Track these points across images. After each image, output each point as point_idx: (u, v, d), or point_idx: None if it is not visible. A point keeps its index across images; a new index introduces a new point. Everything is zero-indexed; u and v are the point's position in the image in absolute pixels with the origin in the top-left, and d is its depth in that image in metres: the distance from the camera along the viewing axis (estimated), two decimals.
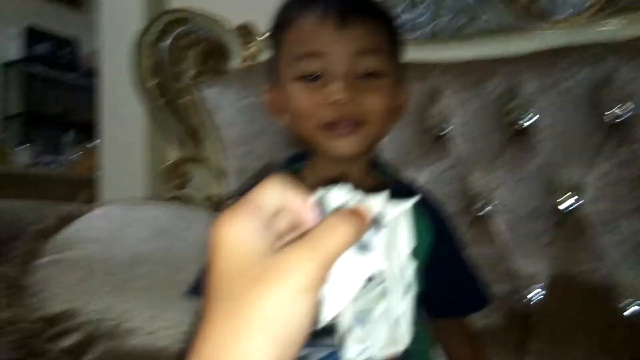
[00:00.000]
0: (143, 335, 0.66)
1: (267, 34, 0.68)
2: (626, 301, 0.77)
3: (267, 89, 0.63)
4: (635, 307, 0.76)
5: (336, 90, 0.53)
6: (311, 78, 0.55)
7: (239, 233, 0.28)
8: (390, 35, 0.59)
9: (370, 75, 0.55)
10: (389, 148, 0.99)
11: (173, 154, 1.22)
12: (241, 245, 0.28)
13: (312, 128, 0.56)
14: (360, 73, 0.55)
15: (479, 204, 0.92)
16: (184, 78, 1.19)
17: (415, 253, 0.62)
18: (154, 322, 0.68)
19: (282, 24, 0.59)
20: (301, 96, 0.56)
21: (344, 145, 0.56)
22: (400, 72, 0.61)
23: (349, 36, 0.54)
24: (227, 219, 0.28)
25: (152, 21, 1.16)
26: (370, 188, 0.54)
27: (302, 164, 0.65)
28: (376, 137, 0.59)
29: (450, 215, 0.74)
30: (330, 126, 0.55)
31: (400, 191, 0.64)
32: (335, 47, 0.54)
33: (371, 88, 0.55)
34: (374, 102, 0.55)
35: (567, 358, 0.77)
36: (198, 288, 0.64)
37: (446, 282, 0.63)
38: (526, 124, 0.90)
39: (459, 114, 0.94)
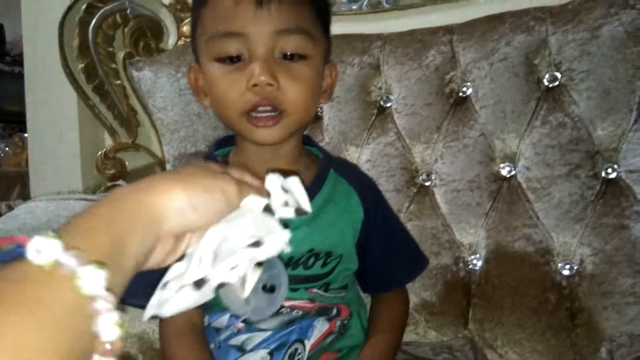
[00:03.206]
0: None
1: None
2: (559, 265, 0.79)
3: (189, 69, 0.59)
4: (567, 270, 0.78)
5: (256, 73, 0.51)
6: (229, 60, 0.53)
7: None
8: (315, 12, 0.55)
9: (293, 56, 0.53)
10: (333, 123, 0.98)
11: (109, 142, 1.15)
12: None
13: (234, 115, 0.54)
14: (281, 54, 0.53)
15: (421, 177, 0.92)
16: (114, 60, 1.12)
17: (346, 230, 0.62)
18: None
19: (198, 2, 0.55)
20: (220, 80, 0.53)
21: (267, 134, 0.54)
22: (328, 50, 0.58)
23: (269, 15, 0.51)
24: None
25: None
26: (296, 172, 0.53)
27: (231, 149, 0.62)
28: (301, 123, 0.58)
29: (380, 189, 0.74)
30: (251, 112, 0.53)
31: (336, 167, 0.64)
32: (254, 26, 0.51)
33: (294, 74, 0.53)
34: (297, 90, 0.53)
35: (505, 324, 0.79)
36: (125, 295, 0.60)
37: (382, 256, 0.64)
38: (465, 94, 0.90)
39: (400, 86, 0.93)
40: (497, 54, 0.86)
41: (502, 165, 0.86)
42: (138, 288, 0.60)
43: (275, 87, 0.52)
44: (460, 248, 0.86)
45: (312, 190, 0.59)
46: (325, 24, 0.58)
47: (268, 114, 0.53)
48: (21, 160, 2.57)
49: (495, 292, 0.80)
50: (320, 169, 0.62)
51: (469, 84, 0.89)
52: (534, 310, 0.77)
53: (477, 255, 0.85)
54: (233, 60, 0.53)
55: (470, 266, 0.85)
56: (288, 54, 0.53)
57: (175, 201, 0.34)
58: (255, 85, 0.51)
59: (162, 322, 0.59)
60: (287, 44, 0.52)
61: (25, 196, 1.40)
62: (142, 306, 0.62)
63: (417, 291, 0.83)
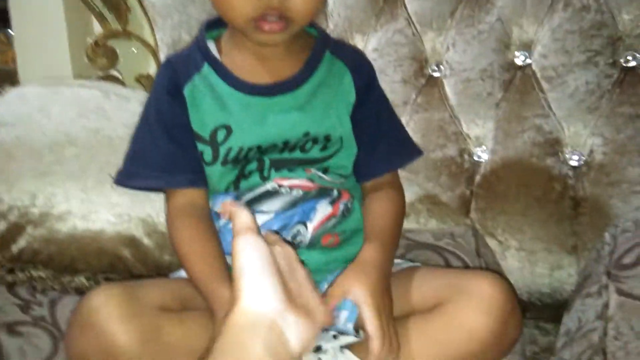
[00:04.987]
0: (77, 219, 0.61)
1: None
2: (567, 155, 0.78)
3: None
4: (575, 161, 0.77)
5: None
6: None
7: None
8: None
9: None
10: (338, 8, 0.92)
11: (98, 30, 1.08)
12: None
13: (239, 20, 0.51)
14: None
15: (431, 67, 0.88)
16: None
17: (342, 113, 0.60)
18: (88, 205, 0.62)
19: None
20: None
21: (271, 39, 0.53)
22: None
23: None
24: None
25: None
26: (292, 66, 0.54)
27: (222, 31, 0.59)
28: (305, 25, 0.55)
29: (385, 78, 0.69)
30: (257, 20, 0.50)
31: (332, 49, 0.60)
32: None
33: None
34: (304, 1, 0.50)
35: (507, 212, 0.79)
36: (127, 178, 0.59)
37: (371, 138, 0.62)
38: None
39: None
40: None
41: (517, 53, 0.82)
42: (140, 170, 0.59)
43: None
44: (466, 140, 0.85)
45: (304, 73, 0.57)
46: None
47: (275, 20, 0.50)
48: (7, 59, 2.46)
49: (500, 182, 0.80)
50: (315, 50, 0.58)
51: None
52: (538, 199, 0.77)
53: (483, 147, 0.84)
54: None
55: (475, 158, 0.84)
56: None
57: None
58: None
59: (167, 205, 0.59)
60: None
61: None
62: (145, 188, 0.62)
63: (420, 182, 0.83)
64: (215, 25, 0.60)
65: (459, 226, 0.77)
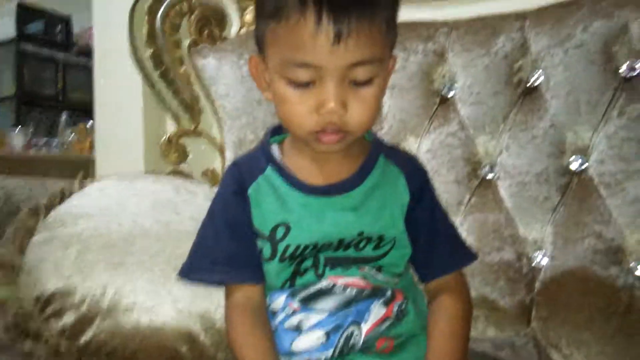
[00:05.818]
0: (141, 312, 0.64)
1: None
2: (632, 264, 0.75)
3: (251, 59, 0.60)
4: None
5: (328, 102, 0.52)
6: (300, 84, 0.54)
7: None
8: (387, 34, 0.55)
9: (362, 81, 0.54)
10: (393, 111, 0.97)
11: (171, 128, 1.19)
12: None
13: (300, 132, 0.56)
14: (352, 81, 0.53)
15: (484, 169, 0.89)
16: (179, 47, 1.15)
17: (396, 214, 0.62)
18: (153, 298, 0.66)
19: (268, 10, 0.55)
20: (289, 98, 0.55)
21: (329, 148, 0.56)
22: (393, 45, 0.58)
23: (345, 49, 0.51)
24: None
25: None
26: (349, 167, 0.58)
27: (286, 136, 0.64)
28: (361, 135, 0.59)
29: (438, 179, 0.70)
30: (318, 133, 0.55)
31: (386, 152, 0.63)
32: (330, 61, 0.52)
33: (361, 98, 0.54)
34: (363, 113, 0.54)
35: (571, 323, 0.76)
36: (190, 271, 0.62)
37: (425, 242, 0.62)
38: (535, 83, 0.87)
39: (465, 75, 0.91)
40: (573, 40, 0.82)
41: (572, 158, 0.82)
42: (203, 265, 0.62)
43: (344, 112, 0.53)
44: (523, 243, 0.83)
45: (360, 176, 0.60)
46: (394, 35, 0.58)
47: (333, 131, 0.55)
48: (84, 147, 2.70)
49: (562, 290, 0.77)
50: (369, 155, 0.62)
51: (540, 72, 0.86)
52: (602, 311, 0.74)
53: (543, 251, 0.82)
54: (305, 84, 0.54)
55: (534, 262, 0.82)
56: (359, 80, 0.54)
57: None
58: (324, 112, 0.53)
59: (226, 300, 0.61)
60: (359, 74, 0.53)
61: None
62: (207, 282, 0.64)
63: (477, 286, 0.81)
64: (279, 130, 0.65)
65: (520, 336, 0.74)
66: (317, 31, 0.50)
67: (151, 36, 1.10)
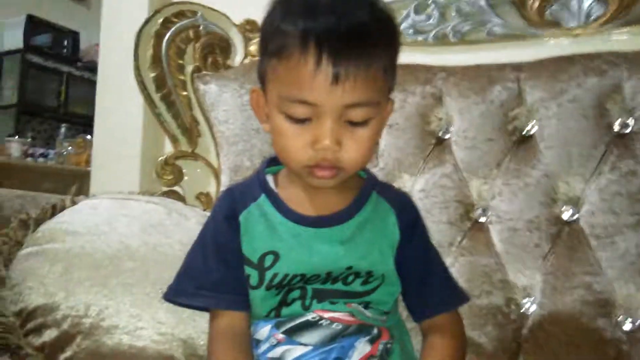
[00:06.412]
0: (123, 334, 0.63)
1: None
2: (620, 318, 0.75)
3: (252, 91, 0.62)
4: (629, 325, 0.74)
5: (323, 139, 0.54)
6: (298, 119, 0.55)
7: None
8: (385, 79, 0.57)
9: (359, 122, 0.55)
10: (389, 149, 0.98)
11: (168, 150, 1.19)
12: None
13: (294, 165, 0.57)
14: (348, 121, 0.55)
15: (476, 212, 0.90)
16: (183, 72, 1.17)
17: (386, 251, 0.62)
18: (135, 321, 0.65)
19: (272, 48, 0.56)
20: (286, 131, 0.56)
21: (322, 183, 0.57)
22: (391, 89, 0.60)
23: (343, 90, 0.53)
24: None
25: (156, 12, 1.14)
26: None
27: (281, 168, 0.64)
28: (355, 172, 0.60)
29: (431, 219, 0.70)
30: (311, 167, 0.56)
31: (378, 189, 0.64)
32: (327, 100, 0.53)
33: (357, 137, 0.55)
34: (357, 151, 0.56)
35: None
36: (176, 294, 0.63)
37: (418, 280, 0.63)
38: (529, 132, 0.88)
39: (461, 119, 0.93)
40: (567, 94, 0.84)
41: (564, 208, 0.83)
42: (189, 288, 0.62)
43: (338, 149, 0.54)
44: (513, 289, 0.83)
45: (351, 210, 0.60)
46: (393, 80, 0.59)
47: (327, 167, 0.56)
48: (81, 160, 2.70)
49: (550, 339, 0.77)
50: (363, 189, 0.63)
51: (535, 122, 0.88)
52: None
53: (532, 298, 0.82)
54: (302, 120, 0.55)
55: (522, 309, 0.82)
56: (355, 121, 0.55)
57: None
58: (320, 148, 0.54)
59: (210, 325, 0.61)
60: (355, 115, 0.54)
61: (83, 194, 1.47)
62: (191, 305, 0.64)
63: (465, 329, 0.80)
64: (275, 162, 0.66)
65: None
66: (317, 71, 0.52)
67: (156, 59, 1.12)
